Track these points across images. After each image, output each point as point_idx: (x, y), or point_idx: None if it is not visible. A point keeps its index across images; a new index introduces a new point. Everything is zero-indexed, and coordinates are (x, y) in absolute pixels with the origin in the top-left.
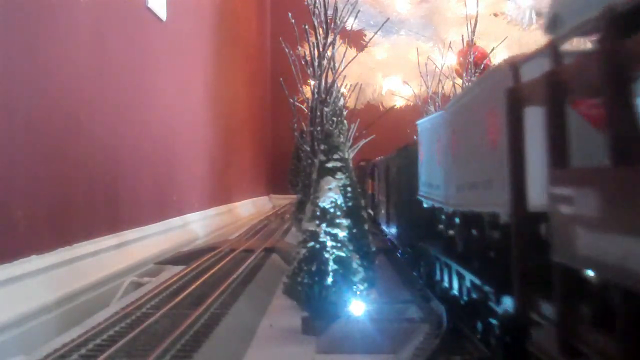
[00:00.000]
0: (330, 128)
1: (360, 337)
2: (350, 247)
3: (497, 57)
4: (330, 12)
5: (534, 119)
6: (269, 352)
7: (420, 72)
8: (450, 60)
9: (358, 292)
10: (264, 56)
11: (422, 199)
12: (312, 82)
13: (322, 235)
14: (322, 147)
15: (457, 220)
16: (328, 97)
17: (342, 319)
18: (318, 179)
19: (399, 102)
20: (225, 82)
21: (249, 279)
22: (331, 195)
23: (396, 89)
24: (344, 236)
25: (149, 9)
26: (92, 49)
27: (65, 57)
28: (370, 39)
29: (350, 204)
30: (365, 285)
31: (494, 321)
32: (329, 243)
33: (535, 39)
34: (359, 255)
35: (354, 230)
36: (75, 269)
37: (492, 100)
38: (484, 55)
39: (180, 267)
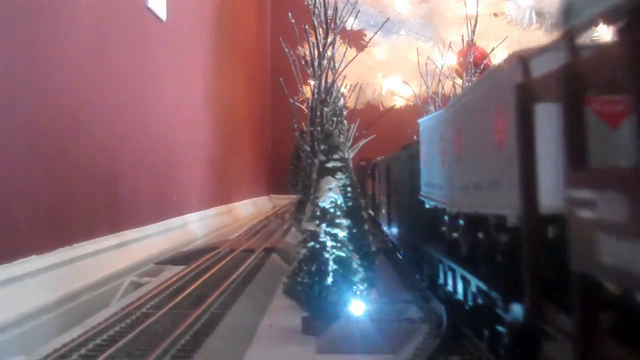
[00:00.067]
0: (330, 128)
1: (360, 337)
2: (350, 247)
3: (497, 57)
4: (330, 12)
5: (546, 116)
6: (269, 352)
7: (420, 72)
8: (450, 60)
9: (358, 292)
10: (264, 56)
11: (424, 199)
12: (312, 82)
13: (322, 235)
14: (322, 147)
15: (461, 221)
16: (328, 97)
17: (342, 319)
18: (318, 179)
19: (399, 102)
20: (225, 82)
21: (249, 279)
22: (331, 195)
23: (396, 89)
24: (344, 236)
25: (149, 9)
26: (92, 49)
27: (65, 57)
28: (370, 39)
29: (350, 204)
30: (365, 285)
31: (501, 329)
32: (329, 243)
33: (536, 39)
34: (359, 255)
35: (354, 230)
36: (75, 269)
37: (499, 97)
38: (484, 55)
39: (180, 267)
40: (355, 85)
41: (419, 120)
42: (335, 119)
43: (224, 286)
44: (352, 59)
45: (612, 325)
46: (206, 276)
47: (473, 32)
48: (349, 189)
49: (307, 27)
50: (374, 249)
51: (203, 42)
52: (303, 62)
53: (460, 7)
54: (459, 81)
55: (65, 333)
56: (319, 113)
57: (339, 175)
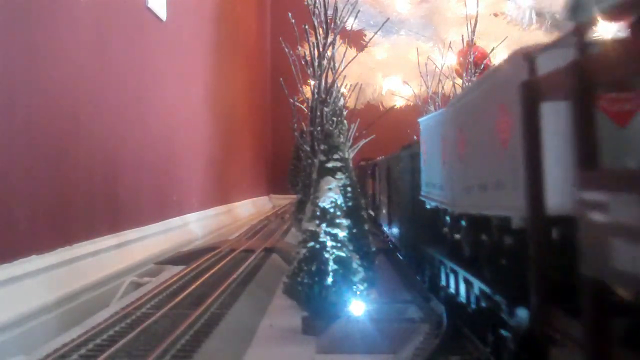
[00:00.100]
0: (330, 128)
1: (360, 337)
2: (350, 247)
3: (497, 57)
4: (330, 12)
5: (553, 115)
6: (269, 352)
7: (420, 72)
8: (450, 60)
9: (358, 292)
10: (264, 56)
11: (425, 199)
12: (312, 82)
13: (322, 235)
14: (322, 147)
15: (463, 222)
16: (328, 97)
17: (342, 319)
18: (318, 179)
19: (399, 102)
20: (225, 81)
21: (249, 279)
22: (331, 195)
23: (396, 89)
24: (344, 236)
25: (149, 9)
26: (92, 49)
27: (65, 57)
28: (370, 39)
29: (350, 204)
30: (365, 285)
31: (505, 333)
32: (329, 243)
33: (536, 39)
34: (359, 255)
35: (354, 230)
36: (75, 269)
37: (503, 95)
38: (484, 55)
39: (180, 267)
40: (355, 85)
41: (419, 120)
42: (335, 119)
43: (224, 286)
44: (352, 59)
45: (623, 333)
46: (206, 276)
47: (473, 32)
48: (349, 189)
49: (307, 27)
50: (374, 249)
51: (203, 42)
52: (303, 62)
53: (460, 7)
54: (459, 81)
55: (65, 333)
56: (319, 113)
57: (339, 175)
